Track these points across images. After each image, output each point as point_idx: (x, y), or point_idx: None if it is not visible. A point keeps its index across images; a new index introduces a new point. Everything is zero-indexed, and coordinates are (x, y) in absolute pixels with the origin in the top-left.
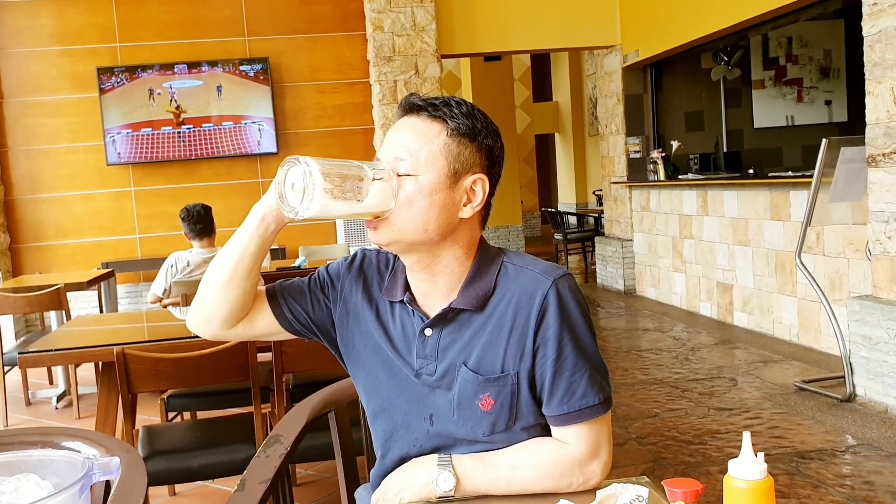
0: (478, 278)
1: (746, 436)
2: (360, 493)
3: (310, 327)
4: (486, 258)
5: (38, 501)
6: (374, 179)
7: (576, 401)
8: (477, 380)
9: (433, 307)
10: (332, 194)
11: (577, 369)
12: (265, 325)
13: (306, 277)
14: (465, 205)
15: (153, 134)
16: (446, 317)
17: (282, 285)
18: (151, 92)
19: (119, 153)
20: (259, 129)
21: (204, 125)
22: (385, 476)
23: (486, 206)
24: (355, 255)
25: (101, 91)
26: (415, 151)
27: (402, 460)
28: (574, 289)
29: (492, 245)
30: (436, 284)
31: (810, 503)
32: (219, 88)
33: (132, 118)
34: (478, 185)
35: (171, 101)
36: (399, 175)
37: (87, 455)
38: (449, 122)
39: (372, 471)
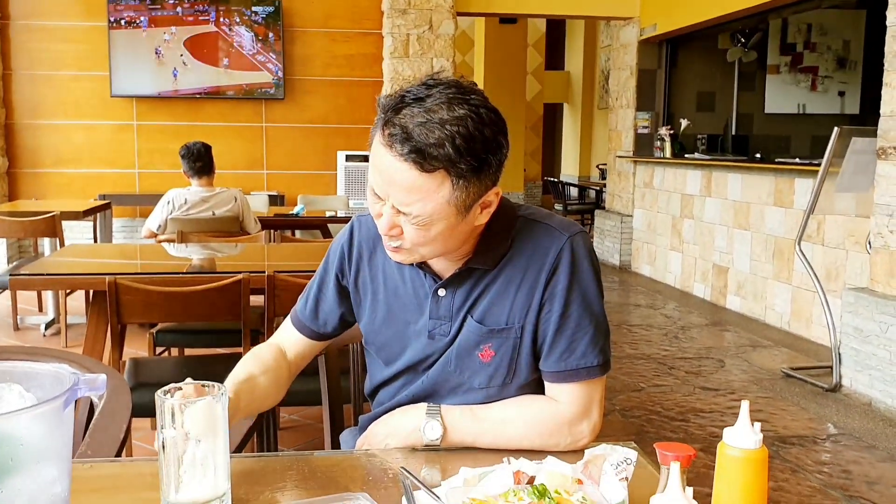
0: (493, 236)
1: (745, 404)
2: (345, 436)
3: (345, 320)
4: (501, 215)
5: (19, 410)
6: None
7: (574, 359)
8: (480, 330)
9: (446, 267)
10: None
11: (580, 328)
12: (317, 347)
13: (315, 282)
14: (480, 213)
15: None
16: (461, 276)
17: (302, 315)
18: (158, 52)
19: (123, 85)
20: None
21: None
22: (373, 420)
23: None
24: (352, 226)
25: (111, 25)
26: (416, 210)
27: (392, 407)
28: (589, 247)
29: (506, 200)
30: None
31: (788, 487)
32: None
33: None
34: (492, 196)
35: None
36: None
37: (73, 370)
38: (451, 170)
39: (361, 416)
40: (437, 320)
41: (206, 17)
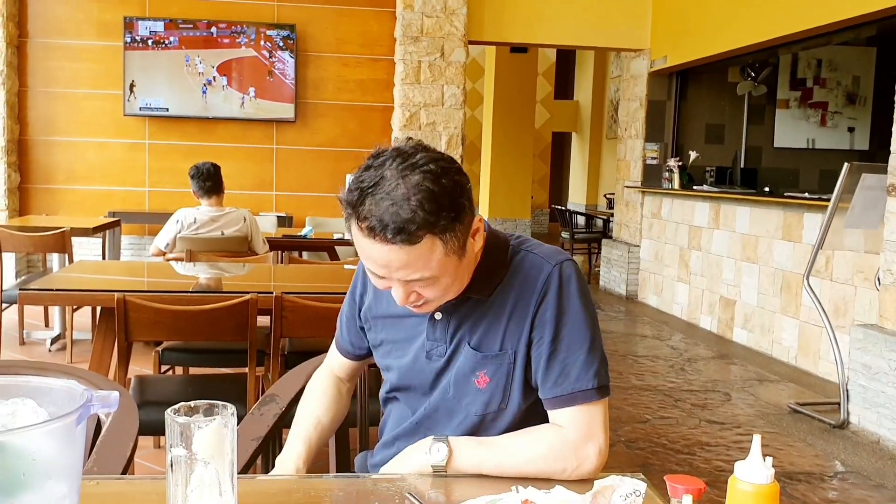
0: (490, 266)
1: (757, 438)
2: (359, 459)
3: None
4: (494, 245)
5: (33, 426)
6: None
7: (569, 383)
8: (476, 357)
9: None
10: None
11: (571, 352)
12: (365, 363)
13: (344, 310)
14: (475, 241)
15: (173, 90)
16: (457, 303)
17: (341, 340)
18: (185, 74)
19: (136, 105)
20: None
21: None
22: (383, 460)
23: None
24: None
25: (126, 46)
26: (421, 274)
27: (400, 433)
28: (576, 273)
29: (498, 231)
30: None
31: None
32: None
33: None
34: (476, 224)
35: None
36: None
37: (85, 387)
38: (435, 230)
39: (372, 460)
40: (434, 342)
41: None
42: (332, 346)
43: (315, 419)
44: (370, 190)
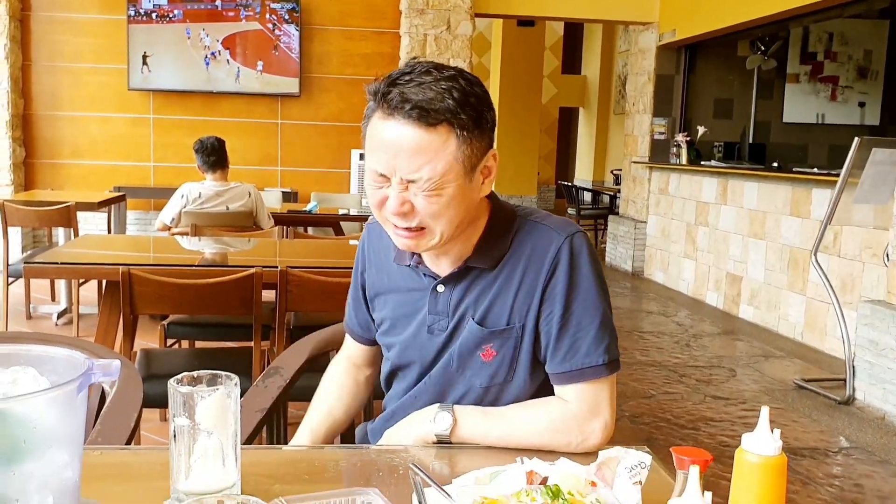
0: (493, 236)
1: (765, 410)
2: (360, 430)
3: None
4: (500, 215)
5: (34, 393)
6: None
7: (579, 359)
8: (482, 332)
9: (444, 266)
10: None
11: (581, 327)
12: (375, 352)
13: (350, 292)
14: (483, 182)
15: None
16: (459, 274)
17: (350, 324)
18: (189, 47)
19: (141, 79)
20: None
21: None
22: (387, 423)
23: None
24: (363, 235)
25: (130, 19)
26: (426, 172)
27: (398, 407)
28: (587, 246)
29: (503, 201)
30: (449, 248)
31: (798, 499)
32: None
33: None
34: (491, 160)
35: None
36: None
37: (86, 356)
38: (454, 122)
39: (372, 423)
40: (436, 315)
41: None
42: (346, 335)
43: (326, 411)
44: (399, 78)
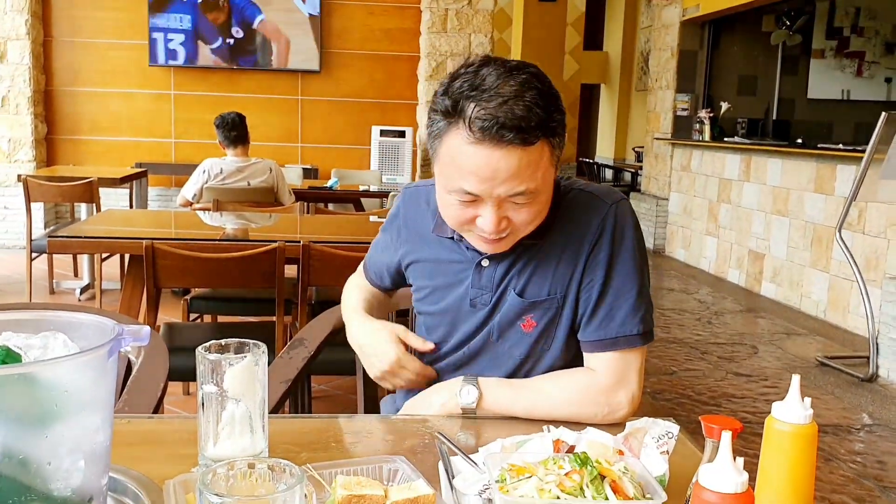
0: None
1: (796, 378)
2: (385, 402)
3: (395, 279)
4: None
5: (66, 357)
6: None
7: (614, 327)
8: (522, 304)
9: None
10: None
11: (620, 296)
12: (385, 297)
13: (375, 241)
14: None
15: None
16: (507, 250)
17: (369, 270)
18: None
19: (162, 55)
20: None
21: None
22: (411, 394)
23: None
24: (401, 197)
25: None
26: (528, 185)
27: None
28: (632, 214)
29: None
30: None
31: (820, 475)
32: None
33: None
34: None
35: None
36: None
37: (115, 322)
38: (548, 132)
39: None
40: (479, 289)
41: None
42: (360, 270)
43: (365, 300)
44: (473, 93)
